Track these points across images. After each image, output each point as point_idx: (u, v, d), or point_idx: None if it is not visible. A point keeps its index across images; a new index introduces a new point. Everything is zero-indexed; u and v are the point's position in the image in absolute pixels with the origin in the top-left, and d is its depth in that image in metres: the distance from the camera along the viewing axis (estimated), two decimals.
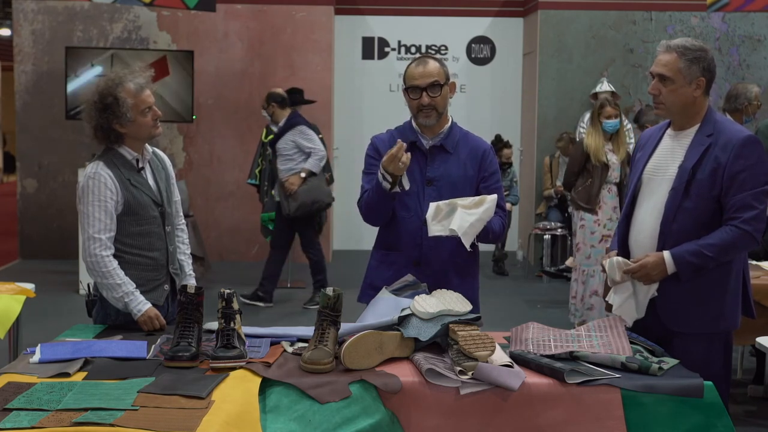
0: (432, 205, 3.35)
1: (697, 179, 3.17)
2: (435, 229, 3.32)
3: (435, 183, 3.51)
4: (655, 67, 3.24)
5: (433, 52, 10.70)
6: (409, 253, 3.51)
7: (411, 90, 3.49)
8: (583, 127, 9.58)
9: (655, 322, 3.25)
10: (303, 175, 7.68)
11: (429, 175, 3.52)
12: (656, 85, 3.24)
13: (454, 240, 3.36)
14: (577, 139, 9.43)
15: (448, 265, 3.51)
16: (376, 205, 3.48)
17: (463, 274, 3.55)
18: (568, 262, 7.25)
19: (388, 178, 3.36)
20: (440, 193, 3.48)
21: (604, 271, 3.36)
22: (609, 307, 3.36)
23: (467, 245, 3.33)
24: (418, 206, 3.47)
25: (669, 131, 3.35)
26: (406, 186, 3.43)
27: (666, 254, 3.17)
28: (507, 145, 9.38)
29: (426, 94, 3.46)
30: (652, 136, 3.42)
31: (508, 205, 9.38)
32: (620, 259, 3.28)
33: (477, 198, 3.37)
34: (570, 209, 7.24)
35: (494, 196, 3.38)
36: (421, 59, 3.53)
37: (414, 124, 3.58)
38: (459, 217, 3.30)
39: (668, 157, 3.28)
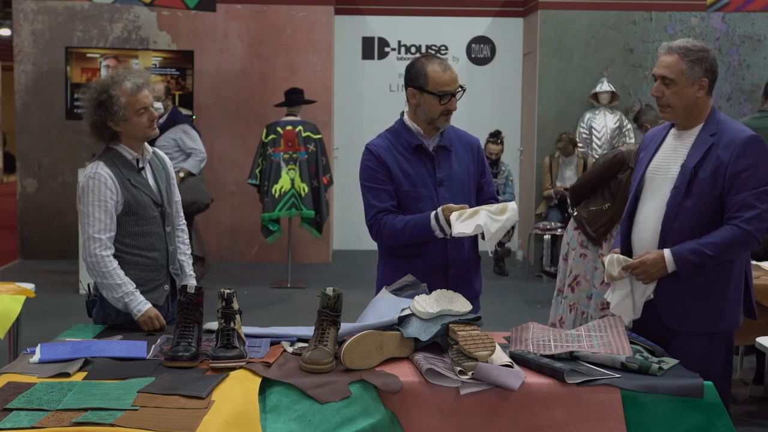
0: (455, 213, 3.34)
1: (699, 178, 3.17)
2: (458, 228, 3.30)
3: (445, 183, 3.50)
4: (658, 69, 3.25)
5: (433, 52, 10.70)
6: (435, 258, 3.49)
7: (442, 95, 3.43)
8: (584, 128, 9.59)
9: (656, 322, 3.25)
10: (182, 175, 7.51)
11: (439, 176, 3.51)
12: (659, 87, 3.24)
13: (470, 239, 3.40)
14: (578, 141, 9.44)
15: (468, 264, 3.55)
16: (411, 241, 3.45)
17: (477, 270, 3.63)
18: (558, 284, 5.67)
19: (446, 230, 3.34)
20: (451, 193, 3.48)
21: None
22: (607, 305, 3.36)
23: (490, 250, 3.35)
24: (433, 210, 3.43)
25: (673, 131, 3.35)
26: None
27: (666, 252, 3.17)
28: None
29: (454, 99, 3.45)
30: (655, 136, 3.43)
31: None
32: (620, 256, 3.29)
33: (500, 205, 3.37)
34: (570, 225, 5.67)
35: (515, 204, 3.38)
36: (443, 63, 3.47)
37: (413, 125, 3.54)
38: (484, 217, 3.31)
39: (671, 156, 3.29)
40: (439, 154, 3.53)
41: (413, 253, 3.50)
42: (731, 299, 3.24)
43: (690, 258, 3.14)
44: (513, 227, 3.47)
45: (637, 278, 3.24)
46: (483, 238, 3.35)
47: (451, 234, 3.34)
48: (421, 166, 3.50)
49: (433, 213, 3.38)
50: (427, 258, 3.49)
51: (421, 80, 3.45)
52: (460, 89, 3.47)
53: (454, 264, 3.51)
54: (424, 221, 3.39)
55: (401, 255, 3.53)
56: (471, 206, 3.48)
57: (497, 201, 3.67)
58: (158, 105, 7.49)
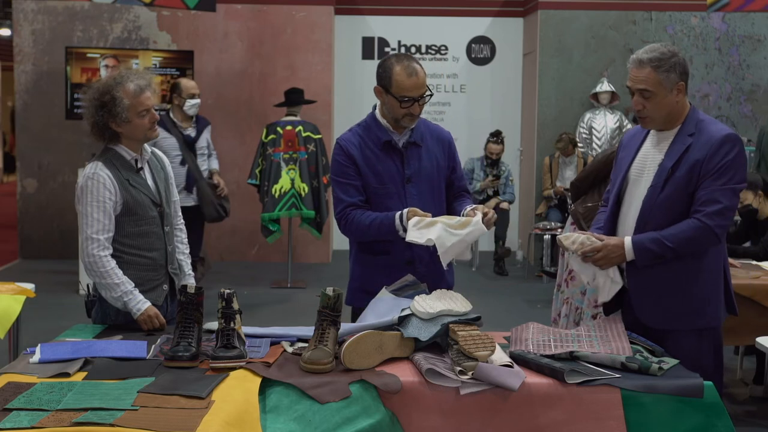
0: (415, 219, 3.34)
1: (675, 177, 3.17)
2: (412, 235, 3.30)
3: (413, 180, 3.51)
4: (634, 84, 3.22)
5: (433, 52, 10.71)
6: (400, 255, 3.50)
7: (403, 101, 3.42)
8: (584, 128, 9.59)
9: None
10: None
11: (407, 173, 3.52)
12: (639, 100, 3.22)
13: None
14: (578, 141, 9.44)
15: (436, 259, 3.51)
16: (377, 238, 3.47)
17: (448, 265, 3.56)
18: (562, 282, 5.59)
19: (406, 226, 3.34)
20: (420, 190, 3.50)
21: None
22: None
23: (444, 264, 3.33)
24: (401, 207, 3.45)
25: (652, 131, 3.35)
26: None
27: (627, 239, 3.18)
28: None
29: (417, 104, 3.45)
30: (635, 136, 3.43)
31: (505, 204, 9.38)
32: (584, 236, 3.27)
33: (463, 219, 3.36)
34: (568, 221, 5.87)
35: (479, 219, 3.34)
36: (410, 68, 3.42)
37: (383, 120, 3.53)
38: (439, 230, 3.29)
39: (650, 156, 3.29)
40: (408, 151, 3.53)
41: (380, 249, 3.53)
42: (707, 296, 3.22)
43: (649, 246, 3.13)
44: (499, 230, 3.44)
45: (595, 263, 3.22)
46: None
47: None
48: (389, 162, 3.51)
49: (398, 213, 3.39)
50: (393, 255, 3.51)
51: (385, 81, 3.46)
52: (426, 94, 3.45)
53: (420, 260, 3.51)
54: (389, 220, 3.41)
55: (370, 251, 3.56)
56: (439, 202, 3.52)
57: (469, 194, 3.70)
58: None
